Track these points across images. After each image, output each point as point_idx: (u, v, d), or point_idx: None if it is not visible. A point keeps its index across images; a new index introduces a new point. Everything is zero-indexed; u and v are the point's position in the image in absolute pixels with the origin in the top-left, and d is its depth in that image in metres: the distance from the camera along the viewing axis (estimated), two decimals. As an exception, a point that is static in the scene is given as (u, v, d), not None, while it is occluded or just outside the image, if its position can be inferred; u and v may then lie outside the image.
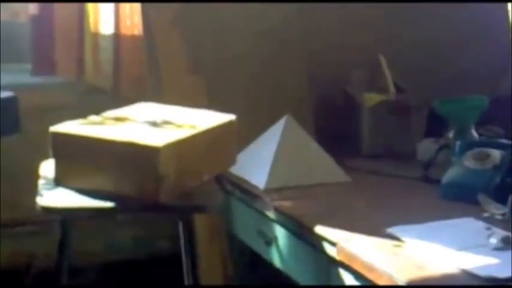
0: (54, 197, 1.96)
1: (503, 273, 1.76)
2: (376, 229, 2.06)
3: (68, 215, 2.03)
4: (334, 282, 2.09)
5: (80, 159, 1.98)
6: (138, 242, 2.96)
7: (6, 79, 2.75)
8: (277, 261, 2.42)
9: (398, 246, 1.96)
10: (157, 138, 1.91)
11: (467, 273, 1.79)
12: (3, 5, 2.86)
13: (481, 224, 2.08)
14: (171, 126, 2.04)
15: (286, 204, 2.37)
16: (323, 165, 2.55)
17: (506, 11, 3.32)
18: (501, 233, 1.97)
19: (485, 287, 1.75)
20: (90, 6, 2.85)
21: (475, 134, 2.72)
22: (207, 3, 2.88)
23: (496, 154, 2.36)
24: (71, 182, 1.98)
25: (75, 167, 1.99)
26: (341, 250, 2.01)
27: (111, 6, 2.82)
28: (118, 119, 2.09)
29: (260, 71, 2.97)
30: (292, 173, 2.50)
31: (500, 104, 2.94)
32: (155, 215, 2.64)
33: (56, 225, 2.07)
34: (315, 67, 3.01)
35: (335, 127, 2.96)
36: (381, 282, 1.85)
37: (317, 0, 3.00)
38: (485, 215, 2.17)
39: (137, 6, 2.81)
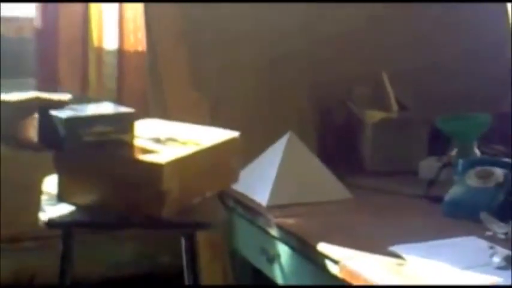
0: (57, 212, 1.96)
1: (506, 293, 1.76)
2: (378, 247, 2.05)
3: (70, 230, 2.04)
4: (337, 300, 2.09)
5: (83, 175, 1.98)
6: (140, 257, 2.96)
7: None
8: (279, 279, 2.42)
9: (401, 264, 1.96)
10: (161, 155, 1.91)
11: (470, 293, 1.79)
12: (7, 20, 2.86)
13: (483, 243, 2.08)
14: (174, 142, 2.05)
15: (288, 221, 2.37)
16: (325, 183, 2.55)
17: (508, 27, 3.33)
18: (504, 251, 1.97)
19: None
20: (94, 21, 2.85)
21: (477, 152, 2.72)
22: (211, 20, 2.89)
23: (499, 172, 2.36)
24: (73, 197, 1.98)
25: (78, 183, 1.99)
26: (343, 268, 2.01)
27: (115, 21, 2.83)
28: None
29: (263, 88, 2.98)
30: (294, 190, 2.50)
31: (501, 121, 2.94)
32: (158, 231, 2.64)
33: (58, 240, 2.07)
34: (317, 84, 3.02)
35: (337, 144, 2.97)
36: (383, 301, 1.85)
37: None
38: (488, 233, 2.16)
39: (141, 22, 2.81)
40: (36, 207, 2.00)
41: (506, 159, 2.47)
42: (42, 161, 2.03)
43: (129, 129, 1.95)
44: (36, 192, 2.11)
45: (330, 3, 3.01)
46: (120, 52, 2.85)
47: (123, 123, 1.95)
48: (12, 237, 2.76)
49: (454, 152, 2.71)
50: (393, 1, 3.10)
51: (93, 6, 2.86)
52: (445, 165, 2.66)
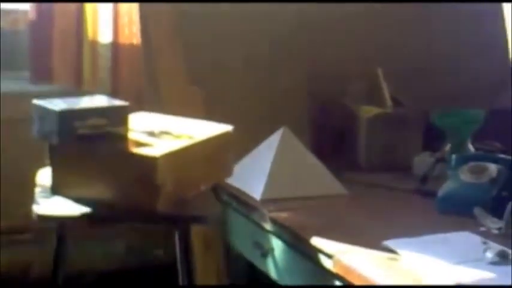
0: (51, 205, 1.96)
1: (499, 288, 1.77)
2: (372, 242, 2.06)
3: (63, 224, 2.03)
4: (330, 294, 2.10)
5: (76, 168, 1.98)
6: (134, 251, 2.96)
7: (5, 87, 2.75)
8: (273, 273, 2.42)
9: (395, 259, 1.96)
10: (155, 148, 1.91)
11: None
12: (3, 12, 2.86)
13: (477, 238, 2.08)
14: (168, 136, 2.05)
15: (282, 215, 2.37)
16: (319, 177, 2.55)
17: (504, 24, 3.33)
18: (497, 247, 1.97)
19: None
20: (88, 13, 2.84)
21: (471, 147, 2.72)
22: (206, 14, 2.89)
23: (492, 168, 2.36)
24: (67, 190, 1.98)
25: (72, 176, 1.99)
26: (337, 262, 2.01)
27: (109, 14, 2.82)
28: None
29: (258, 83, 2.98)
30: (288, 184, 2.50)
31: (498, 117, 2.94)
32: (152, 225, 2.64)
33: (52, 233, 2.06)
34: (312, 79, 3.02)
35: (332, 139, 2.96)
36: (376, 295, 1.85)
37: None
38: (482, 229, 2.17)
39: (136, 15, 2.81)
40: (31, 200, 2.00)
41: (500, 155, 2.47)
42: (37, 153, 2.03)
43: (123, 122, 1.95)
44: (31, 184, 2.11)
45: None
46: (115, 45, 2.84)
47: (117, 116, 1.95)
48: (6, 229, 2.75)
49: (447, 147, 2.71)
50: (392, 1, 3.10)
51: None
52: (438, 161, 2.66)
